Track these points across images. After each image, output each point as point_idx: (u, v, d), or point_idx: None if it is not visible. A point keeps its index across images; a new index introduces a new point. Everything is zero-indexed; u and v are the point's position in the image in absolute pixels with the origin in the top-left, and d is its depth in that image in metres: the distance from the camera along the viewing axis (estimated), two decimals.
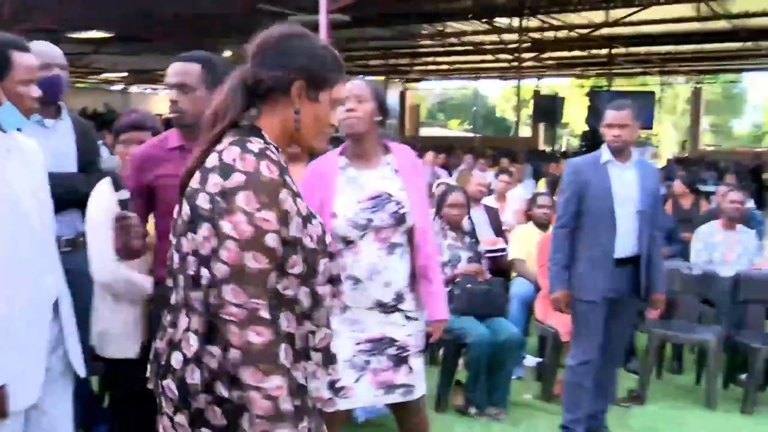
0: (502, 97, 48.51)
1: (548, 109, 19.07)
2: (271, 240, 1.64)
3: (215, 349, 1.65)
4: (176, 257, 1.75)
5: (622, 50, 21.67)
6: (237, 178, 1.63)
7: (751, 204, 9.76)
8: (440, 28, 18.37)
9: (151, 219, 2.79)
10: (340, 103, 1.89)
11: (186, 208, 1.71)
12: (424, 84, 40.31)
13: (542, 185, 9.66)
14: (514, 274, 5.84)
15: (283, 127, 1.79)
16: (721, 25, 16.82)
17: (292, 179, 1.75)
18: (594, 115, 20.53)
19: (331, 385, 2.69)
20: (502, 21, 16.50)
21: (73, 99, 19.70)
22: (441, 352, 4.80)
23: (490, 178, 8.68)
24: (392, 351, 2.81)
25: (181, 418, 1.68)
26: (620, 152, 3.95)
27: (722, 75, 34.78)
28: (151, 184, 2.68)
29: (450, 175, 10.13)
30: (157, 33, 17.62)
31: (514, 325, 4.84)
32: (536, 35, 17.63)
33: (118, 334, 2.95)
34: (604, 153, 3.98)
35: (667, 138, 45.38)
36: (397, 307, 2.81)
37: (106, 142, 7.71)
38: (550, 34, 18.24)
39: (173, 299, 1.78)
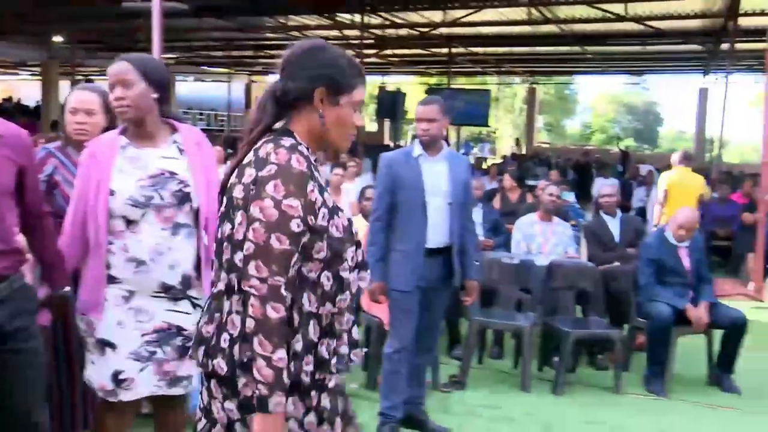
0: None
1: (391, 105, 19.43)
2: (294, 225, 1.81)
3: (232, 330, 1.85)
4: (215, 246, 1.96)
5: (461, 50, 22.42)
6: (269, 169, 1.83)
7: (572, 198, 10.36)
8: (283, 21, 18.25)
9: None
10: (360, 106, 2.02)
11: (224, 201, 1.92)
12: (271, 77, 39.95)
13: None
14: None
15: (310, 131, 1.97)
16: (551, 29, 17.73)
17: (320, 174, 1.94)
18: (442, 113, 21.16)
19: (115, 377, 2.64)
20: (344, 16, 16.62)
21: None
22: None
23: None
24: (179, 341, 2.73)
25: (230, 405, 1.86)
26: (430, 146, 4.07)
27: (555, 77, 36.81)
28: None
29: None
30: None
31: None
32: (378, 32, 17.89)
33: None
34: (416, 147, 4.10)
35: (505, 135, 47.41)
36: (185, 293, 2.74)
37: None
38: (392, 32, 18.57)
39: (216, 286, 1.94)
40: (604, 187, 7.40)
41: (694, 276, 5.49)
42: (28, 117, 22.98)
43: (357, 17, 16.40)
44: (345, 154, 12.41)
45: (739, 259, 10.07)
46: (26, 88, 33.54)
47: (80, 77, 26.93)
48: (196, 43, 22.83)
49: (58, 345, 3.19)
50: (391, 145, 22.91)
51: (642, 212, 11.96)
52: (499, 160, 23.99)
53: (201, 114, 35.45)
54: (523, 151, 29.93)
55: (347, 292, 1.94)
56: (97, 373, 2.73)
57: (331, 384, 1.92)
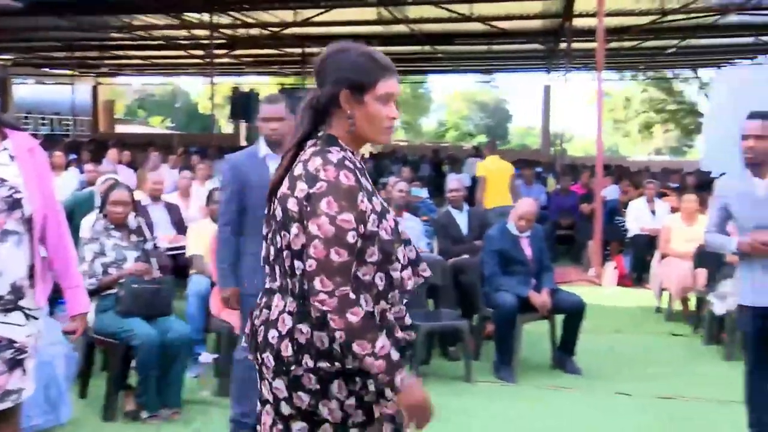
0: (205, 94, 47.87)
1: (245, 107, 19.14)
2: (350, 237, 1.95)
3: (305, 327, 2.00)
4: (272, 250, 2.13)
5: (315, 50, 22.42)
6: (320, 186, 1.95)
7: (424, 194, 10.60)
8: (128, 21, 17.59)
9: None
10: (390, 98, 2.08)
11: (278, 210, 2.06)
12: (121, 79, 38.47)
13: None
14: (192, 270, 5.74)
15: (347, 133, 2.07)
16: (401, 29, 18.05)
17: (368, 180, 2.06)
18: (288, 111, 21.02)
19: None
20: (192, 16, 16.22)
21: None
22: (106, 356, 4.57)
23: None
24: (8, 354, 2.60)
25: (279, 384, 2.04)
26: (278, 145, 3.99)
27: (409, 76, 37.52)
28: None
29: (135, 173, 9.73)
30: None
31: (187, 323, 4.77)
32: (229, 32, 17.58)
33: None
34: (262, 147, 3.99)
35: None
36: (16, 304, 2.61)
37: None
38: (243, 31, 18.30)
39: (269, 285, 2.15)
40: (451, 181, 7.60)
41: (536, 264, 5.73)
42: None
43: (206, 16, 16.03)
44: (196, 157, 12.16)
45: (580, 247, 10.64)
46: None
47: None
48: (35, 43, 21.60)
49: None
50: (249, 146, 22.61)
51: None
52: None
53: (43, 119, 33.60)
54: (380, 150, 30.34)
55: (396, 289, 2.06)
56: None
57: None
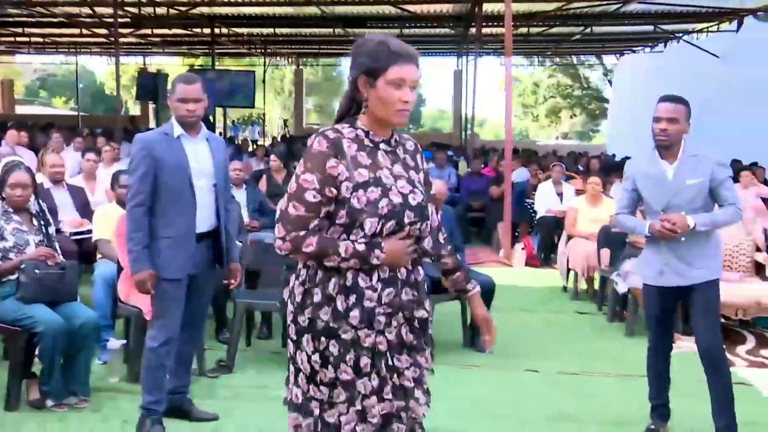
0: (111, 74, 46.36)
1: (152, 88, 18.57)
2: (309, 195, 2.25)
3: (294, 281, 2.38)
4: None
5: (225, 30, 21.99)
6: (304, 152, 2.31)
7: None
8: None
9: None
10: (403, 83, 2.27)
11: None
12: (19, 58, 36.79)
13: None
14: (99, 255, 5.57)
15: (368, 115, 2.33)
16: (313, 10, 17.89)
17: (366, 155, 2.30)
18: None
19: None
20: None
21: None
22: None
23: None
24: None
25: (291, 329, 2.39)
26: (192, 126, 3.90)
27: (321, 59, 37.30)
28: None
29: (36, 155, 9.33)
30: None
31: (93, 309, 4.64)
32: (134, 10, 17.01)
33: None
34: (176, 127, 3.87)
35: (275, 117, 47.38)
36: None
37: None
38: (148, 10, 17.75)
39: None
40: None
41: None
42: None
43: None
44: (102, 139, 11.78)
45: (490, 229, 10.85)
46: None
47: None
48: None
49: None
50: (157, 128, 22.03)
51: None
52: (269, 142, 23.90)
53: None
54: (293, 133, 30.10)
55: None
56: None
57: (345, 336, 2.27)
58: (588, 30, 20.12)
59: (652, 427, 4.11)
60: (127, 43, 23.66)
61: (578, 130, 50.20)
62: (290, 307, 2.37)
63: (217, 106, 21.50)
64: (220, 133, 24.36)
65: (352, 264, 2.26)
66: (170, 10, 17.70)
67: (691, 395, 4.40)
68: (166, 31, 21.52)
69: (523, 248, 9.50)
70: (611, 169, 10.91)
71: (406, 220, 2.30)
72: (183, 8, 17.36)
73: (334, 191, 2.25)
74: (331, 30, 21.56)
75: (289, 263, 5.79)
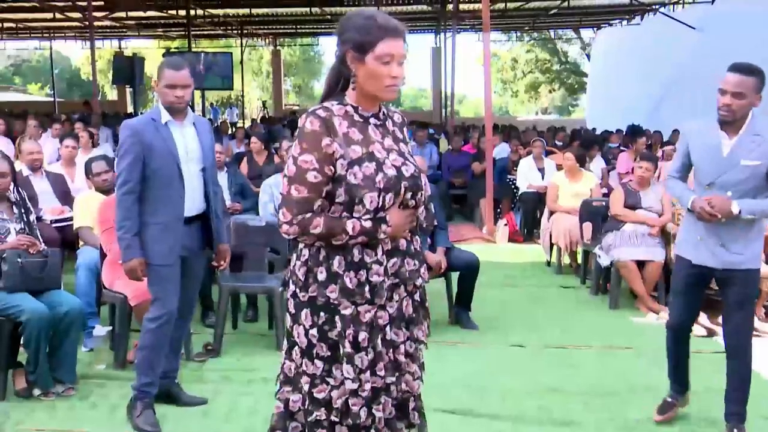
0: (86, 58, 45.82)
1: (128, 72, 18.40)
2: (311, 176, 2.26)
3: (294, 259, 2.41)
4: None
5: (201, 12, 21.78)
6: (296, 134, 2.33)
7: None
8: None
9: None
10: (391, 59, 2.27)
11: None
12: None
13: None
14: (81, 243, 5.54)
15: (356, 90, 2.33)
16: None
17: (357, 131, 2.32)
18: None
19: None
20: None
21: None
22: None
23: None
24: None
25: (290, 303, 2.43)
26: (179, 111, 3.88)
27: (299, 39, 37.06)
28: None
29: (13, 143, 9.24)
30: None
31: (77, 296, 4.62)
32: None
33: None
34: (163, 113, 3.85)
35: (254, 99, 47.06)
36: None
37: None
38: None
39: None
40: None
41: None
42: None
43: None
44: (80, 125, 11.65)
45: (473, 206, 10.88)
46: None
47: None
48: None
49: None
50: (134, 112, 21.83)
51: None
52: (249, 124, 23.77)
53: None
54: (272, 114, 29.94)
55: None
56: None
57: (346, 311, 2.30)
58: (565, 4, 20.13)
59: (669, 399, 4.02)
60: (102, 27, 23.41)
61: (558, 104, 50.34)
62: (291, 287, 2.40)
63: (194, 89, 21.30)
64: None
65: (360, 240, 2.29)
66: None
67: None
68: (141, 13, 21.29)
69: (505, 224, 9.54)
70: (590, 143, 10.95)
71: (403, 191, 2.34)
72: None
73: (332, 169, 2.27)
74: (308, 9, 21.44)
75: (272, 246, 5.82)
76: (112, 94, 35.79)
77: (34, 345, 4.11)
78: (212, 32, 28.26)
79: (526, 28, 30.40)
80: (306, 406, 2.39)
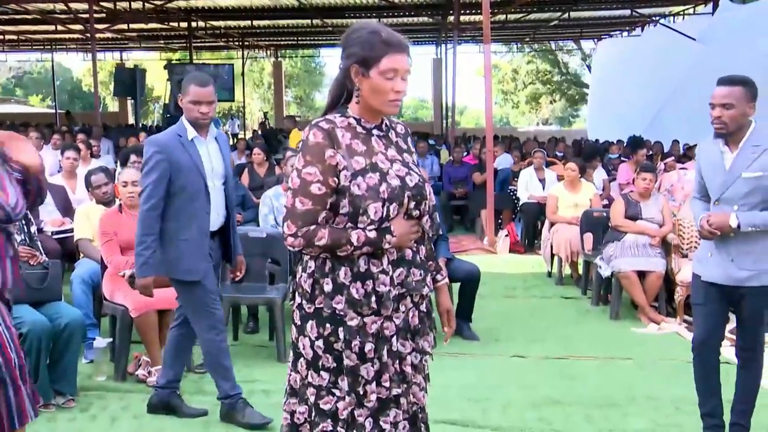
0: (88, 70, 45.91)
1: (130, 83, 18.47)
2: (315, 188, 2.27)
3: (300, 271, 2.41)
4: None
5: (202, 24, 21.86)
6: (299, 146, 2.33)
7: None
8: None
9: None
10: (395, 73, 2.29)
11: None
12: None
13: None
14: (81, 255, 5.54)
15: (359, 104, 2.35)
16: (291, 2, 17.82)
17: (360, 143, 2.33)
18: (176, 87, 20.49)
19: None
20: None
21: None
22: None
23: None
24: None
25: (296, 315, 2.43)
26: (204, 127, 3.91)
27: (300, 50, 37.15)
28: None
29: None
30: None
31: (76, 308, 4.61)
32: (109, 5, 16.86)
33: None
34: (189, 129, 3.87)
35: (255, 110, 47.14)
36: None
37: None
38: (124, 5, 17.60)
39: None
40: None
41: None
42: None
43: None
44: (82, 136, 11.67)
45: (474, 216, 10.88)
46: None
47: None
48: None
49: None
50: (135, 124, 21.88)
51: None
52: (249, 135, 23.80)
53: None
54: (273, 125, 29.96)
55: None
56: None
57: (352, 322, 2.30)
58: (566, 15, 20.18)
59: None
60: (104, 38, 23.49)
61: (558, 115, 50.35)
62: (297, 298, 2.40)
63: None
64: None
65: (365, 251, 2.29)
66: (146, 4, 17.58)
67: (675, 378, 4.45)
68: (142, 25, 21.36)
69: (506, 235, 9.54)
70: (592, 154, 10.96)
71: (407, 201, 2.34)
72: (159, 2, 17.23)
73: (336, 181, 2.28)
74: (309, 21, 21.50)
75: (273, 257, 5.82)
76: (113, 106, 35.87)
77: (35, 357, 4.09)
78: (213, 44, 28.33)
79: (527, 39, 30.46)
80: (312, 418, 2.39)
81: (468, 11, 18.66)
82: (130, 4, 17.64)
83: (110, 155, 11.56)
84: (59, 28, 21.50)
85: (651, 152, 12.75)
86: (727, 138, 3.50)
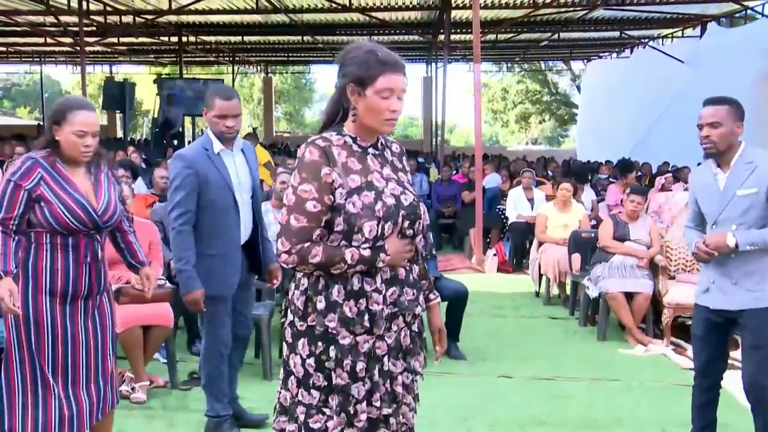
0: (77, 83, 45.74)
1: (119, 97, 18.40)
2: (310, 206, 2.27)
3: (293, 287, 2.40)
4: None
5: (192, 39, 21.87)
6: (295, 164, 2.35)
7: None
8: None
9: None
10: (391, 93, 2.30)
11: None
12: None
13: None
14: None
15: (355, 122, 2.36)
16: (281, 18, 17.85)
17: (356, 161, 2.34)
18: (164, 102, 20.43)
19: None
20: (60, 1, 15.42)
21: None
22: None
23: None
24: None
25: (287, 332, 2.42)
26: (230, 140, 3.89)
27: (290, 66, 37.23)
28: None
29: (1, 167, 9.19)
30: None
31: None
32: (99, 19, 16.85)
33: None
34: (215, 143, 3.85)
35: (245, 125, 47.10)
36: None
37: None
38: (114, 18, 17.59)
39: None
40: None
41: None
42: None
43: (75, 2, 15.26)
44: None
45: (463, 235, 10.88)
46: None
47: None
48: None
49: None
50: (123, 138, 21.80)
51: None
52: None
53: None
54: (262, 140, 29.95)
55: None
56: None
57: (344, 341, 2.29)
58: (555, 36, 20.33)
59: None
60: (93, 51, 23.45)
61: (548, 135, 50.59)
62: (289, 316, 2.39)
63: (185, 115, 21.32)
64: (189, 142, 24.18)
65: (359, 269, 2.29)
66: (137, 18, 17.57)
67: (662, 401, 4.43)
68: (132, 39, 21.34)
69: (495, 254, 9.54)
70: (581, 174, 10.99)
71: (401, 220, 2.34)
72: (150, 16, 17.23)
73: (332, 198, 2.28)
74: (300, 37, 21.55)
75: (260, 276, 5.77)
76: (101, 119, 35.79)
77: None
78: (204, 59, 28.35)
79: (517, 59, 30.67)
80: None
81: (458, 30, 18.77)
82: (120, 18, 17.63)
83: None
84: (48, 40, 21.46)
85: (640, 173, 12.80)
86: (718, 159, 3.47)
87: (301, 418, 2.36)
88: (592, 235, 7.01)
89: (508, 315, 7.25)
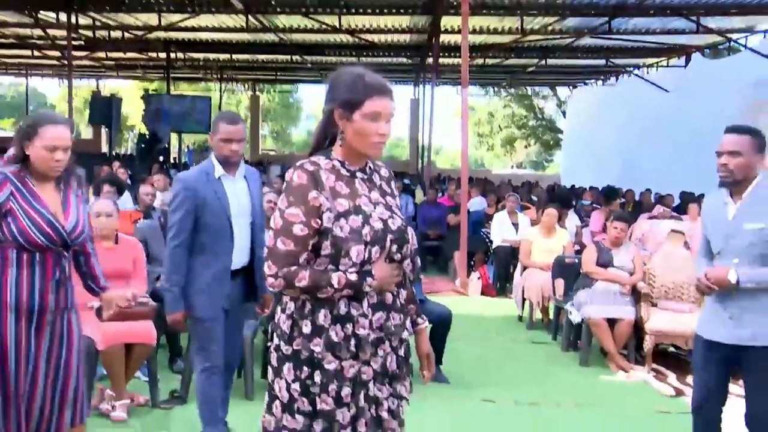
0: (63, 96, 45.59)
1: (106, 111, 18.38)
2: (297, 229, 2.27)
3: (279, 311, 2.39)
4: None
5: (180, 55, 21.89)
6: (283, 187, 2.32)
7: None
8: None
9: None
10: (379, 116, 2.30)
11: None
12: None
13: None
14: None
15: (343, 146, 2.36)
16: (270, 37, 17.92)
17: (344, 185, 2.34)
18: (150, 117, 20.41)
19: None
20: (49, 15, 15.42)
21: None
22: None
23: None
24: None
25: (273, 356, 2.40)
26: (232, 165, 3.92)
27: (278, 85, 37.30)
28: None
29: None
30: None
31: None
32: (88, 33, 16.84)
33: None
34: (217, 168, 3.89)
35: None
36: None
37: None
38: (103, 33, 17.60)
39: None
40: None
41: None
42: None
43: (64, 16, 15.27)
44: None
45: (447, 258, 10.89)
46: None
47: None
48: None
49: None
50: (109, 153, 21.73)
51: None
52: None
53: None
54: (248, 159, 29.94)
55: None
56: None
57: (329, 366, 2.28)
58: (543, 62, 20.52)
59: None
60: (81, 65, 23.40)
61: (533, 159, 50.91)
62: (275, 340, 2.38)
63: (172, 131, 21.30)
64: (175, 159, 24.13)
65: (345, 294, 2.28)
66: (125, 34, 17.58)
67: (642, 427, 4.44)
68: (120, 54, 21.34)
69: (479, 278, 9.55)
70: (566, 200, 11.05)
71: (389, 245, 2.33)
72: (138, 32, 17.25)
73: (319, 222, 2.28)
74: (288, 57, 21.63)
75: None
76: (86, 133, 35.62)
77: None
78: (192, 75, 28.37)
79: (504, 84, 30.90)
80: None
81: (447, 54, 18.91)
82: (109, 33, 17.64)
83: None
84: (35, 53, 21.41)
85: (624, 200, 12.89)
86: (732, 188, 3.37)
87: None
88: (576, 260, 7.04)
89: (491, 339, 7.25)
